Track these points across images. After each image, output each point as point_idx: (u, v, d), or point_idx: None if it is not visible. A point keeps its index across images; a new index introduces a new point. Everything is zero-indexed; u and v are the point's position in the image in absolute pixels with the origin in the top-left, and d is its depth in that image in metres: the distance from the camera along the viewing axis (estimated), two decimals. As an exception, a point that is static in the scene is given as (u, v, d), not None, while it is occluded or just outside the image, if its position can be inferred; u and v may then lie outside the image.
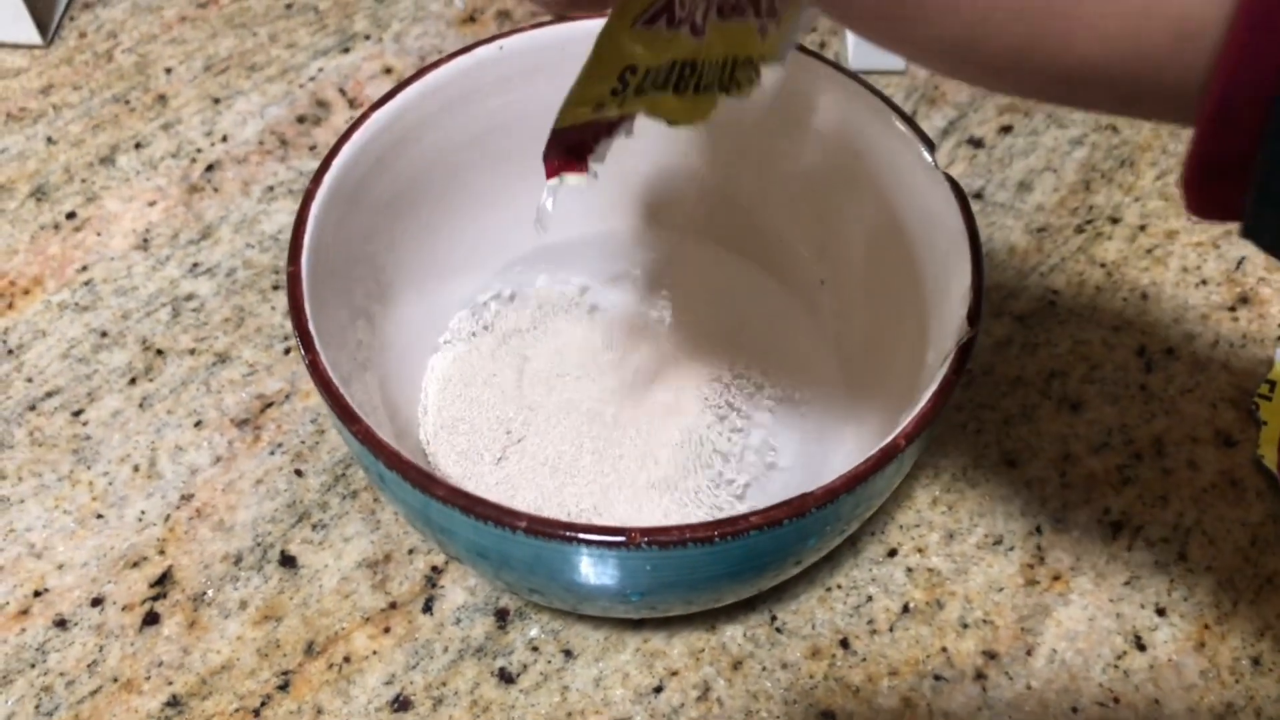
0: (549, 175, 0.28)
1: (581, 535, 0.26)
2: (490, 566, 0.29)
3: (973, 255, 0.30)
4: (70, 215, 0.45)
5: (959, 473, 0.38)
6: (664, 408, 0.37)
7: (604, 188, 0.40)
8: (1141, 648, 0.35)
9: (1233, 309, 0.42)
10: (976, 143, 0.47)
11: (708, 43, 0.26)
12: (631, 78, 0.26)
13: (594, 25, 0.35)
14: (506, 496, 0.35)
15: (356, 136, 0.32)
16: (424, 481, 0.27)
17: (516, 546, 0.27)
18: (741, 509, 0.34)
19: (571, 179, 0.28)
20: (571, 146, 0.28)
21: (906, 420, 0.28)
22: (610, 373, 0.38)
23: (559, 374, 0.38)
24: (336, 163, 0.32)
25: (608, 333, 0.39)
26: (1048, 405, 0.40)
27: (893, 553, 0.37)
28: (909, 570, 0.36)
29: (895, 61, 0.48)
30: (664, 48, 0.25)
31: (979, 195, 0.45)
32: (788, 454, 0.37)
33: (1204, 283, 0.43)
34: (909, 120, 0.33)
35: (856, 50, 0.48)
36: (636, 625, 0.35)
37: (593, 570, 0.27)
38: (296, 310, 0.29)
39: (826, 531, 0.28)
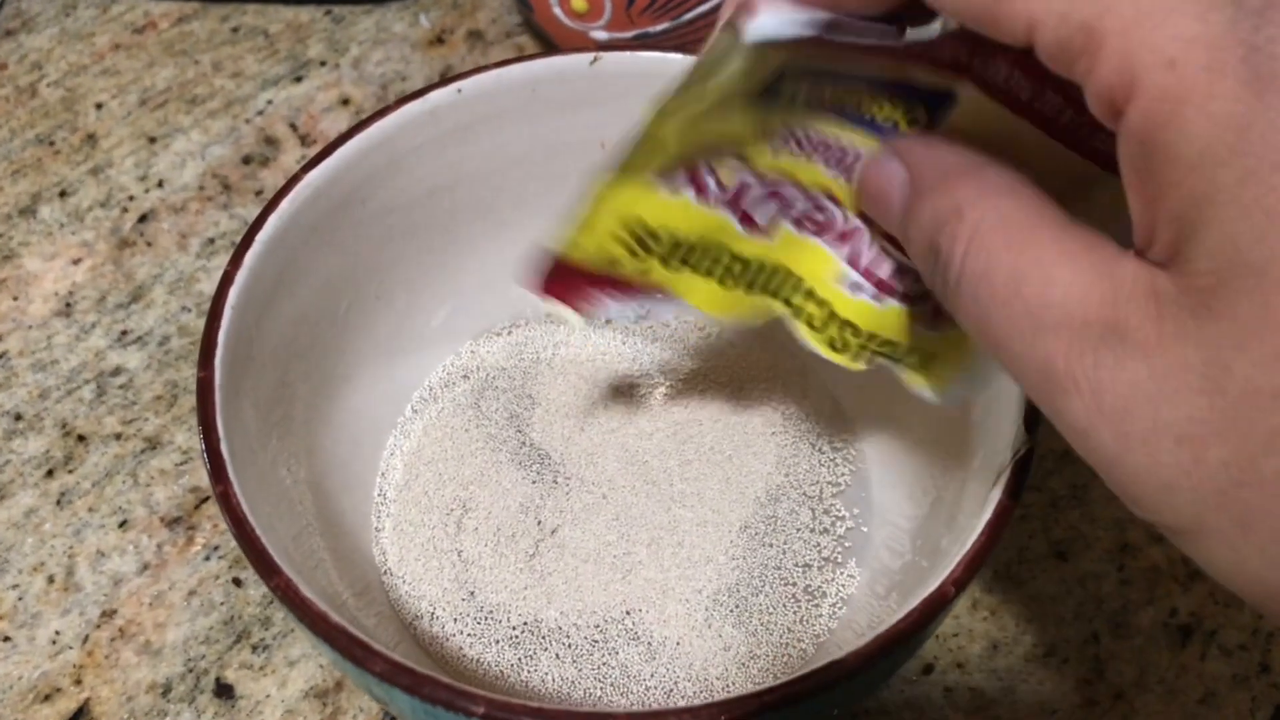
0: (538, 292, 0.24)
1: (554, 724, 0.21)
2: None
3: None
4: (-17, 276, 0.39)
5: (1002, 569, 0.33)
6: (736, 478, 0.32)
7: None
8: (1222, 782, 0.30)
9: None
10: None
11: (775, 248, 0.23)
12: (654, 243, 0.23)
13: (568, 64, 0.30)
14: (540, 605, 0.29)
15: (284, 205, 0.27)
16: (358, 653, 0.21)
17: (475, 730, 0.22)
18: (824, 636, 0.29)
19: (563, 312, 0.24)
20: (571, 284, 0.24)
21: (955, 560, 0.22)
22: (656, 404, 0.32)
23: (583, 415, 0.33)
24: (260, 238, 0.27)
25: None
26: (1100, 484, 0.34)
27: (928, 669, 0.32)
28: (947, 690, 0.31)
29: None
30: (693, 220, 0.23)
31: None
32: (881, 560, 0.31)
33: None
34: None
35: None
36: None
37: (571, 756, 0.22)
38: (207, 427, 0.24)
39: (856, 697, 0.23)
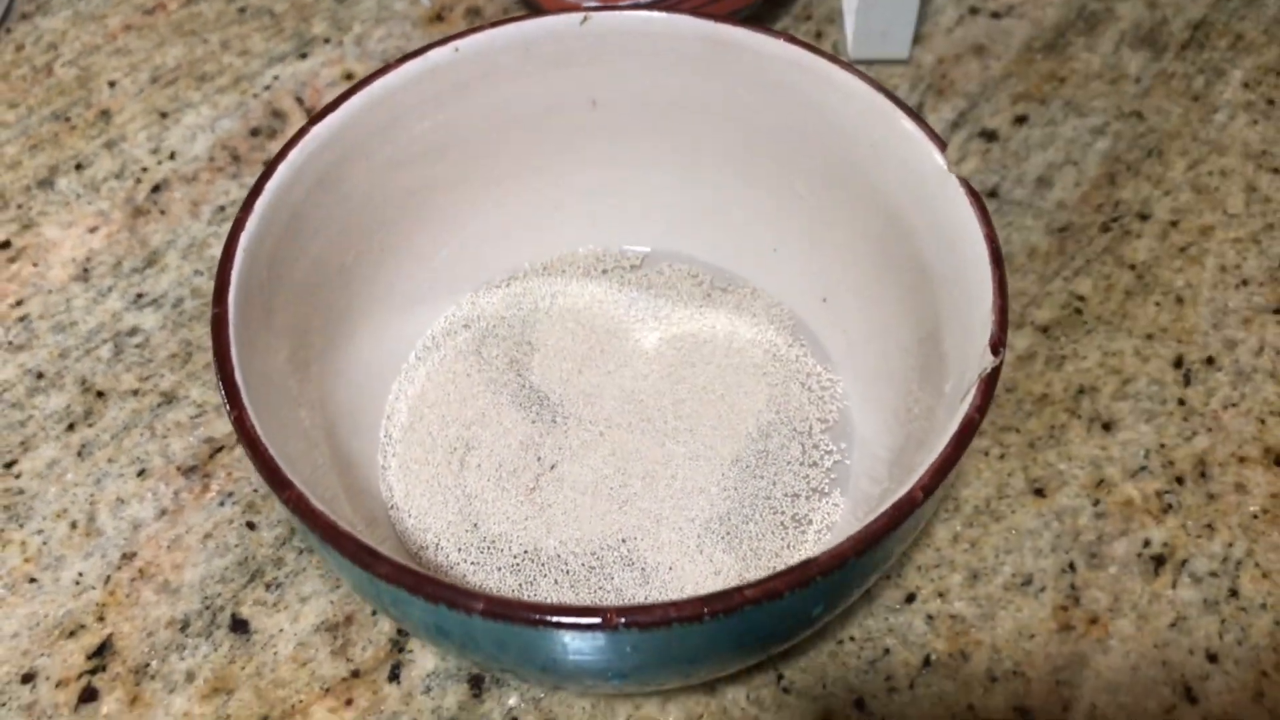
0: None
1: (549, 618, 0.22)
2: (454, 646, 0.25)
3: (995, 275, 0.26)
4: (4, 245, 0.41)
5: (981, 505, 0.35)
6: (726, 414, 0.33)
7: (584, 204, 0.36)
8: (1192, 700, 0.31)
9: (1278, 311, 0.39)
10: (989, 135, 0.43)
11: None
12: None
13: (560, 23, 0.32)
14: (539, 535, 0.31)
15: (293, 156, 0.29)
16: (365, 558, 0.23)
17: (478, 630, 0.23)
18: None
19: None
20: None
21: (923, 468, 0.24)
22: (651, 348, 0.34)
23: (581, 359, 0.34)
24: (269, 187, 0.28)
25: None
26: (1077, 425, 0.36)
27: (910, 598, 0.33)
28: (929, 618, 0.33)
29: (898, 50, 0.45)
30: None
31: (994, 193, 0.42)
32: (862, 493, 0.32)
33: (1244, 283, 0.39)
34: (917, 118, 0.29)
35: (856, 39, 0.44)
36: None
37: (568, 653, 0.24)
38: (222, 359, 0.26)
39: (835, 599, 0.25)
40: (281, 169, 0.29)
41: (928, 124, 0.29)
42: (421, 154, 0.32)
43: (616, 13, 0.32)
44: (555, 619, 0.22)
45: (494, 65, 0.32)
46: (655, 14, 0.32)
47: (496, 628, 0.23)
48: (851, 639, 0.32)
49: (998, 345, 0.26)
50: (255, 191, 0.28)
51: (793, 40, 0.31)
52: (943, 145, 0.29)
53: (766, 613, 0.23)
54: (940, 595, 0.33)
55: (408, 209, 0.33)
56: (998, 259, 0.27)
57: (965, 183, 0.28)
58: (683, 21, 0.32)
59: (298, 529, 0.26)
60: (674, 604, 0.22)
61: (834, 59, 0.31)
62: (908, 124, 0.29)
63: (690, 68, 0.32)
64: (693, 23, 0.32)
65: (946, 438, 0.24)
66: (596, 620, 0.22)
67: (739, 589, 0.22)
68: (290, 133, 0.44)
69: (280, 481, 0.24)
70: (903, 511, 0.23)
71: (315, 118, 0.30)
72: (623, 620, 0.22)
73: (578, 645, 0.23)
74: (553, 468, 0.32)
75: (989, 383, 0.25)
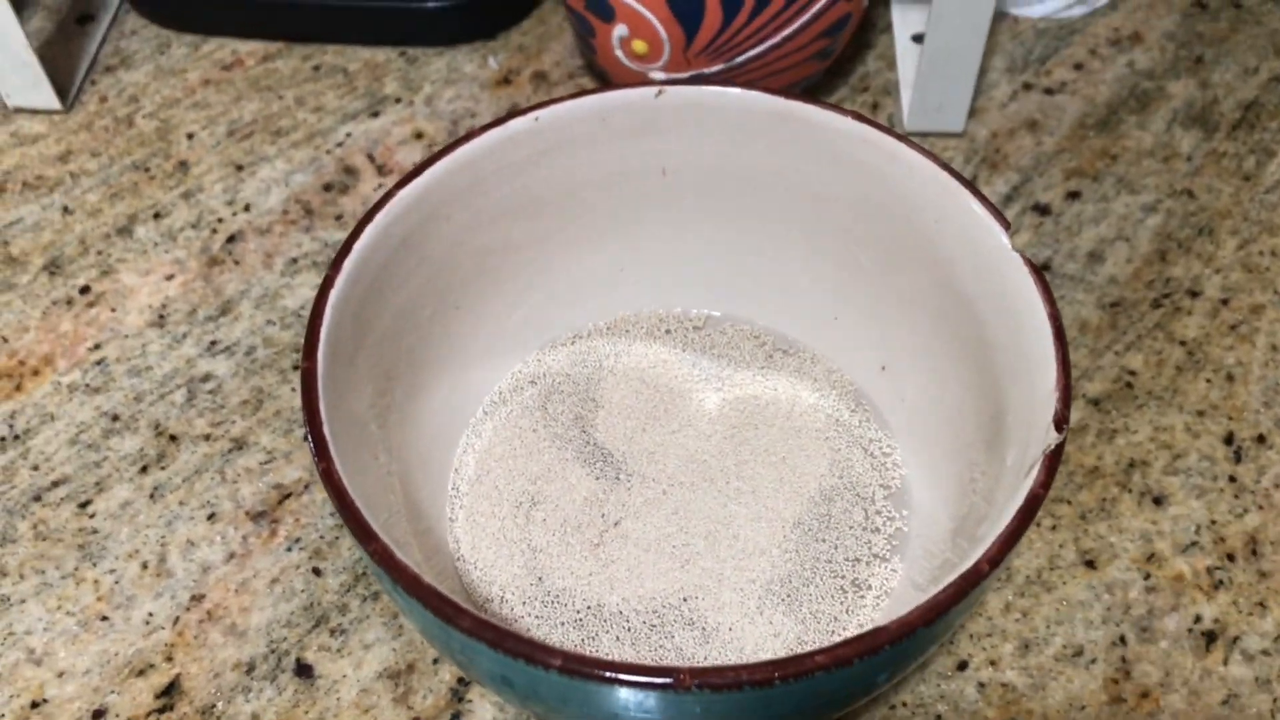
0: None
1: (623, 676, 0.23)
2: (516, 697, 0.26)
3: (1058, 352, 0.27)
4: (84, 290, 0.42)
5: (1033, 575, 0.35)
6: (788, 476, 0.34)
7: (649, 268, 0.37)
8: (1244, 777, 0.32)
9: (1328, 392, 0.39)
10: (1042, 209, 0.44)
11: None
12: None
13: (636, 96, 0.33)
14: (603, 591, 0.32)
15: (380, 218, 0.30)
16: (448, 611, 0.24)
17: (549, 685, 0.24)
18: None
19: None
20: None
21: (989, 541, 0.25)
22: (713, 409, 0.35)
23: (644, 417, 0.35)
24: (358, 246, 0.29)
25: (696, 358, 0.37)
26: (1128, 499, 0.37)
27: (963, 665, 0.33)
28: (981, 686, 0.33)
29: (953, 124, 0.46)
30: None
31: (1046, 267, 0.42)
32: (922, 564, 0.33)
33: (1295, 362, 0.40)
34: (982, 197, 0.30)
35: (912, 112, 0.45)
36: (682, 748, 0.32)
37: (634, 712, 0.24)
38: (311, 412, 0.27)
39: (899, 666, 0.25)
40: (369, 230, 0.30)
41: (992, 203, 0.30)
42: (499, 217, 0.34)
43: (690, 87, 0.33)
44: (629, 677, 0.23)
45: (571, 134, 0.33)
46: (728, 89, 0.33)
47: (567, 683, 0.23)
48: (904, 704, 0.33)
49: (1061, 422, 0.26)
50: (344, 251, 0.29)
51: (860, 118, 0.32)
52: (1006, 224, 0.30)
53: (835, 679, 0.23)
54: (992, 664, 0.34)
55: (483, 268, 0.34)
56: (1060, 336, 0.28)
57: (1028, 260, 0.29)
58: (753, 97, 0.33)
59: (376, 577, 0.27)
60: (746, 667, 0.23)
61: (900, 136, 0.32)
62: (973, 202, 0.30)
63: (759, 140, 0.34)
64: (763, 98, 0.33)
65: (1012, 512, 0.25)
66: (669, 680, 0.23)
67: (810, 654, 0.23)
68: (362, 189, 0.45)
69: (366, 534, 0.25)
70: (969, 583, 0.24)
71: (402, 181, 0.31)
72: (695, 682, 0.23)
73: (647, 703, 0.24)
74: (616, 524, 0.33)
75: (1053, 458, 0.26)
